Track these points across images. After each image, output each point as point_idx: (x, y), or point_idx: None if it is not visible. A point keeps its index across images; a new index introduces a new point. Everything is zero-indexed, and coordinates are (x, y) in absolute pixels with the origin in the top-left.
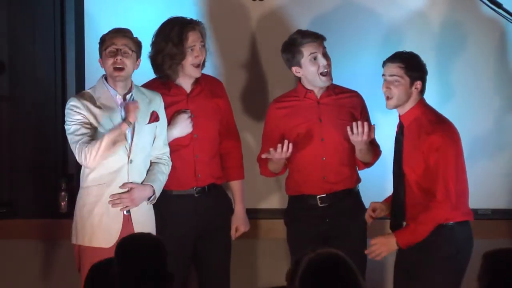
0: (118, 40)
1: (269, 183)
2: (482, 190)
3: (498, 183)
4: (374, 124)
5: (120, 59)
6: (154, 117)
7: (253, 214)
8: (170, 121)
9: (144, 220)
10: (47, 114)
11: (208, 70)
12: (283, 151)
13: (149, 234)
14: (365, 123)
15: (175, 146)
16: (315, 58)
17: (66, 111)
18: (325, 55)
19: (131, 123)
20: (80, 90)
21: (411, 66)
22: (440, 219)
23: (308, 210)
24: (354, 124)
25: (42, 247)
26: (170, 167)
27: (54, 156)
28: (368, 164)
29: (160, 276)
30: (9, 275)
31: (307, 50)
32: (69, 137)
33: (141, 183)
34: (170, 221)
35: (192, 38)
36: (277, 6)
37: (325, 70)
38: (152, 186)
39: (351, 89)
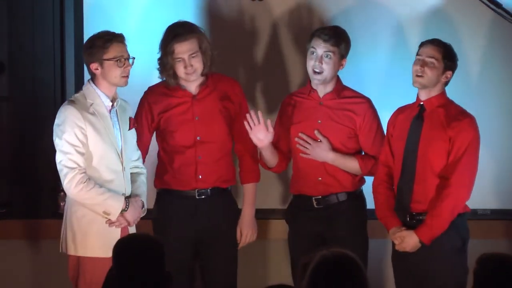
0: (121, 47)
1: (268, 183)
2: (482, 190)
3: (498, 183)
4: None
5: (128, 69)
6: (132, 123)
7: None
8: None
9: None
10: (47, 114)
11: None
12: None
13: (146, 234)
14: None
15: (178, 148)
16: (312, 53)
17: (63, 118)
18: (321, 58)
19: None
20: (79, 90)
21: (449, 54)
22: (458, 208)
23: (306, 210)
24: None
25: (41, 247)
26: (146, 174)
27: (54, 156)
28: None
29: (158, 276)
30: (8, 275)
31: (311, 43)
32: (60, 153)
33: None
34: (171, 221)
35: (178, 50)
36: (277, 6)
37: (316, 70)
38: (142, 201)
39: (362, 94)
